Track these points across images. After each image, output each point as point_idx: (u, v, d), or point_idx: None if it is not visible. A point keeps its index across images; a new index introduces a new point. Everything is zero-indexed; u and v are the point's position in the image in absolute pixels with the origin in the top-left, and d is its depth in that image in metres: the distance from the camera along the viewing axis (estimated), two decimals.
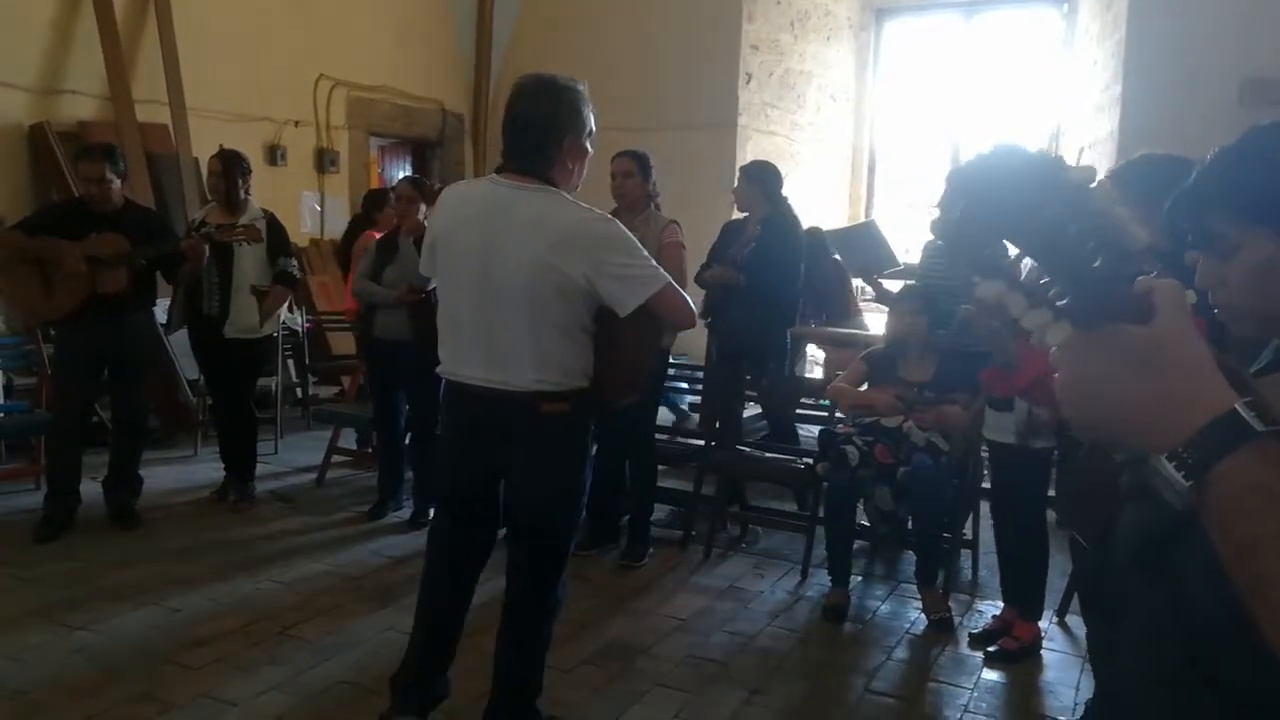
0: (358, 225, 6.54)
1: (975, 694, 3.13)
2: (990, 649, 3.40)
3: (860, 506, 3.86)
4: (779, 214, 4.80)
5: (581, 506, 2.60)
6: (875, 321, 6.91)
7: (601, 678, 3.12)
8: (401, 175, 7.06)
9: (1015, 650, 3.37)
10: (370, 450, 5.37)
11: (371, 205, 6.32)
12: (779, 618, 3.69)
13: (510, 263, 2.29)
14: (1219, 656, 0.82)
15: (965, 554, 4.19)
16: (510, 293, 2.31)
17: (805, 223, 5.09)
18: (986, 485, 4.12)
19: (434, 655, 2.64)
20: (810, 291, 5.42)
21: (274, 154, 7.38)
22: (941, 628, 3.60)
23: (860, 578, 4.10)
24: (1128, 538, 0.95)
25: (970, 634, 3.55)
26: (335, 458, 5.39)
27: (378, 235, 5.15)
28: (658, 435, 4.63)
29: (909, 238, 6.67)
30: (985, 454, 3.96)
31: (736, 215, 5.19)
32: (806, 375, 6.49)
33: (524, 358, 2.33)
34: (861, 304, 6.41)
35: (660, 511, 4.64)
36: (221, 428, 4.97)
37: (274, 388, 6.02)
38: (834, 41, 8.62)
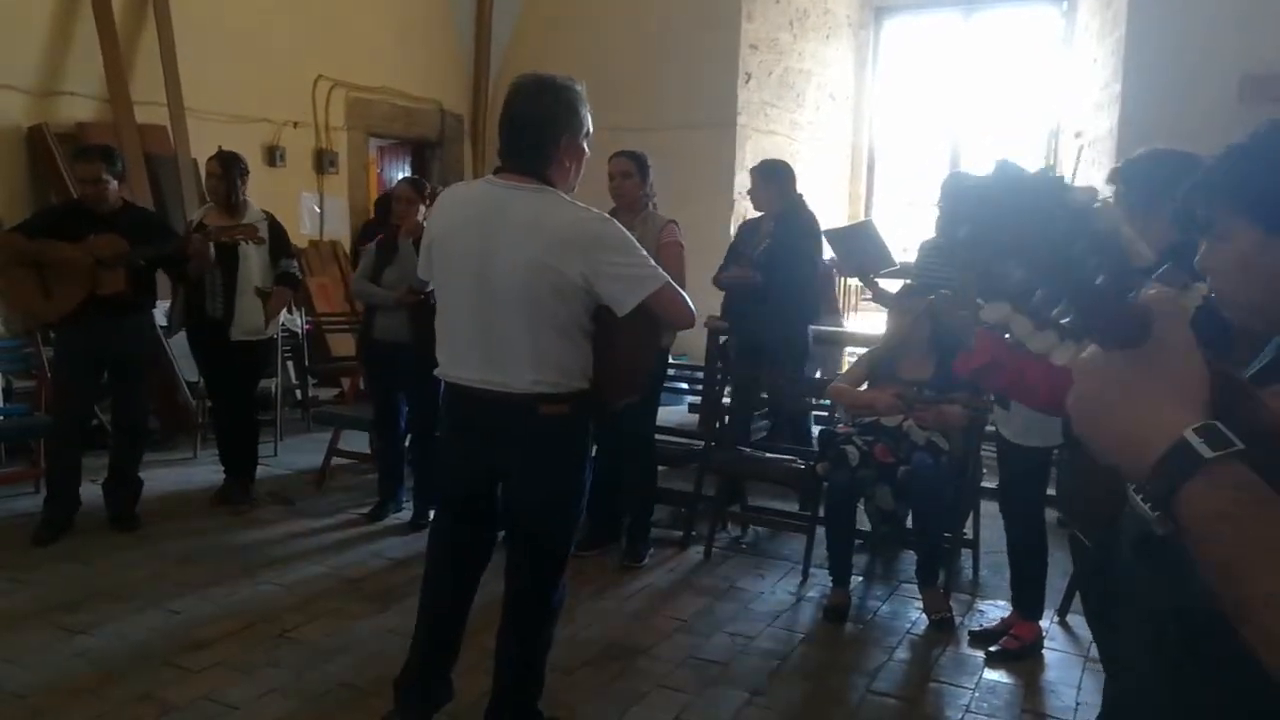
0: (371, 229, 6.53)
1: (977, 694, 3.13)
2: (991, 649, 3.40)
3: (861, 506, 3.85)
4: (793, 211, 4.80)
5: (581, 508, 2.59)
6: (865, 321, 6.93)
7: (602, 678, 3.12)
8: (401, 176, 7.06)
9: (1016, 650, 3.37)
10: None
11: (386, 209, 6.32)
12: (780, 618, 3.69)
13: (508, 263, 2.29)
14: (1218, 648, 0.81)
15: (966, 554, 4.19)
16: (508, 294, 2.30)
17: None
18: (988, 485, 4.12)
19: (437, 656, 2.63)
20: None
21: (273, 155, 7.37)
22: (942, 628, 3.60)
23: (861, 578, 4.09)
24: (1129, 530, 0.95)
25: (970, 633, 3.54)
26: (337, 459, 5.39)
27: None
28: (658, 436, 4.62)
29: (908, 236, 6.66)
30: (990, 452, 3.96)
31: (753, 214, 5.19)
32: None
33: (522, 359, 2.32)
34: (862, 302, 6.41)
35: (661, 512, 4.64)
36: (221, 430, 4.97)
37: (274, 389, 6.01)
38: (833, 40, 8.61)
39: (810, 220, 4.88)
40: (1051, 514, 3.74)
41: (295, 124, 7.54)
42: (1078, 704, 3.07)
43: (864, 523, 3.94)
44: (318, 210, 7.85)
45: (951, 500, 3.84)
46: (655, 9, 8.17)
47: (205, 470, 5.37)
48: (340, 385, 7.12)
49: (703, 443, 4.73)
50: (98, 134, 5.90)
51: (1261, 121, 0.98)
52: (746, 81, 8.11)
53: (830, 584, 3.80)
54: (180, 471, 5.48)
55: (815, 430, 5.15)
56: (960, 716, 2.99)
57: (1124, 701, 1.01)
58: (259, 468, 5.05)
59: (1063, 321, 0.71)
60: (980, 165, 7.90)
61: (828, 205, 8.34)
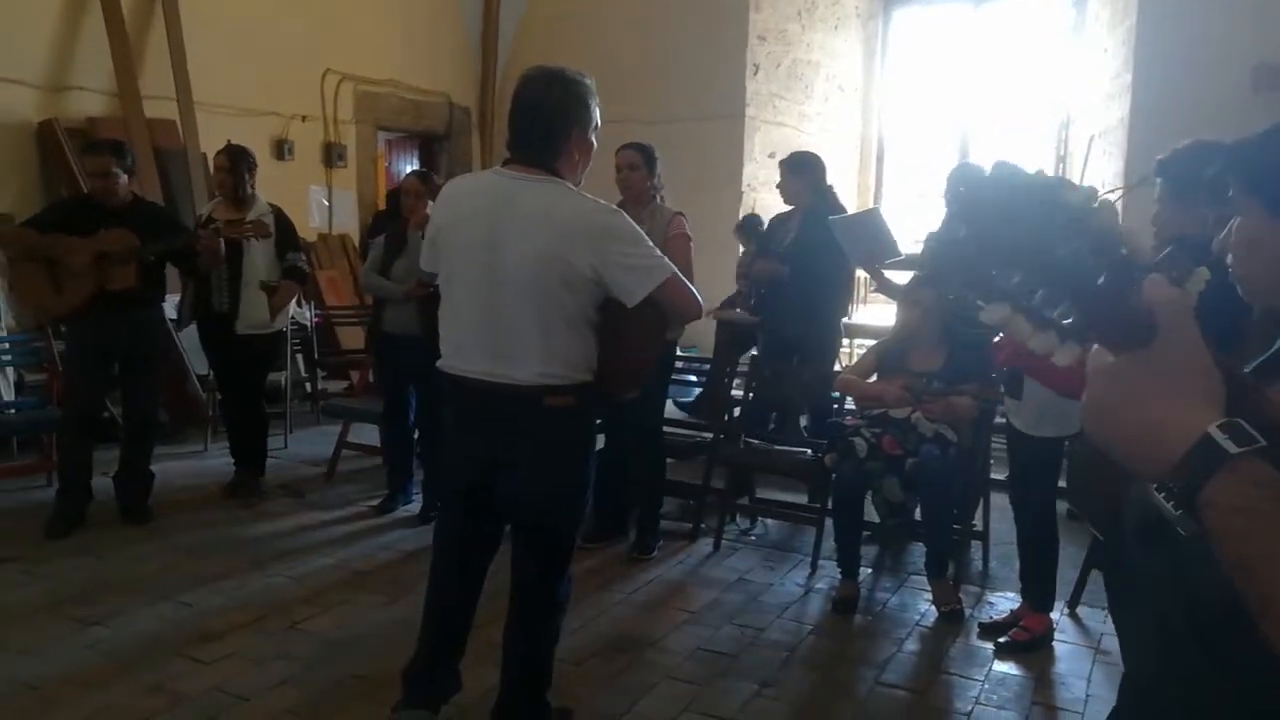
0: (383, 221, 6.54)
1: (986, 686, 3.12)
2: (1000, 640, 3.40)
3: (869, 498, 3.84)
4: (823, 203, 4.78)
5: (586, 500, 2.60)
6: (871, 314, 6.91)
7: (611, 670, 3.13)
8: (409, 169, 7.06)
9: (1026, 641, 3.36)
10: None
11: (398, 201, 6.32)
12: (789, 610, 3.69)
13: (517, 254, 2.29)
14: (1222, 635, 0.82)
15: (975, 545, 4.18)
16: (517, 285, 2.30)
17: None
18: (997, 476, 4.11)
19: (444, 648, 2.64)
20: None
21: (281, 149, 7.38)
22: (952, 619, 3.59)
23: (870, 570, 4.09)
24: (1131, 518, 0.96)
25: (980, 625, 3.54)
26: (346, 452, 5.40)
27: None
28: (666, 428, 4.62)
29: (918, 227, 6.63)
30: (1001, 443, 3.95)
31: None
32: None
33: (530, 350, 2.32)
34: (870, 294, 6.39)
35: (669, 504, 4.64)
36: (231, 423, 4.99)
37: (283, 382, 6.03)
38: (842, 31, 8.57)
39: (841, 211, 4.86)
40: (1062, 505, 3.73)
41: (304, 118, 7.55)
42: (1088, 696, 3.06)
43: (872, 514, 3.93)
44: (326, 204, 7.86)
45: (960, 492, 3.83)
46: (663, 1, 8.15)
47: (216, 463, 5.40)
48: (349, 378, 7.14)
49: (711, 434, 4.73)
50: (107, 129, 5.91)
51: None
52: (755, 73, 8.09)
53: (839, 576, 3.80)
54: (191, 464, 5.51)
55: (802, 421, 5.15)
56: (970, 708, 2.98)
57: (1129, 689, 1.01)
58: (269, 460, 5.07)
59: (1065, 322, 0.70)
60: (989, 156, 7.84)
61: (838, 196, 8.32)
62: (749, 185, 8.06)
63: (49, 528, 4.20)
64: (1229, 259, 1.03)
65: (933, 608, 3.69)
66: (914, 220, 7.22)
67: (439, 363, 2.48)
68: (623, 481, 4.39)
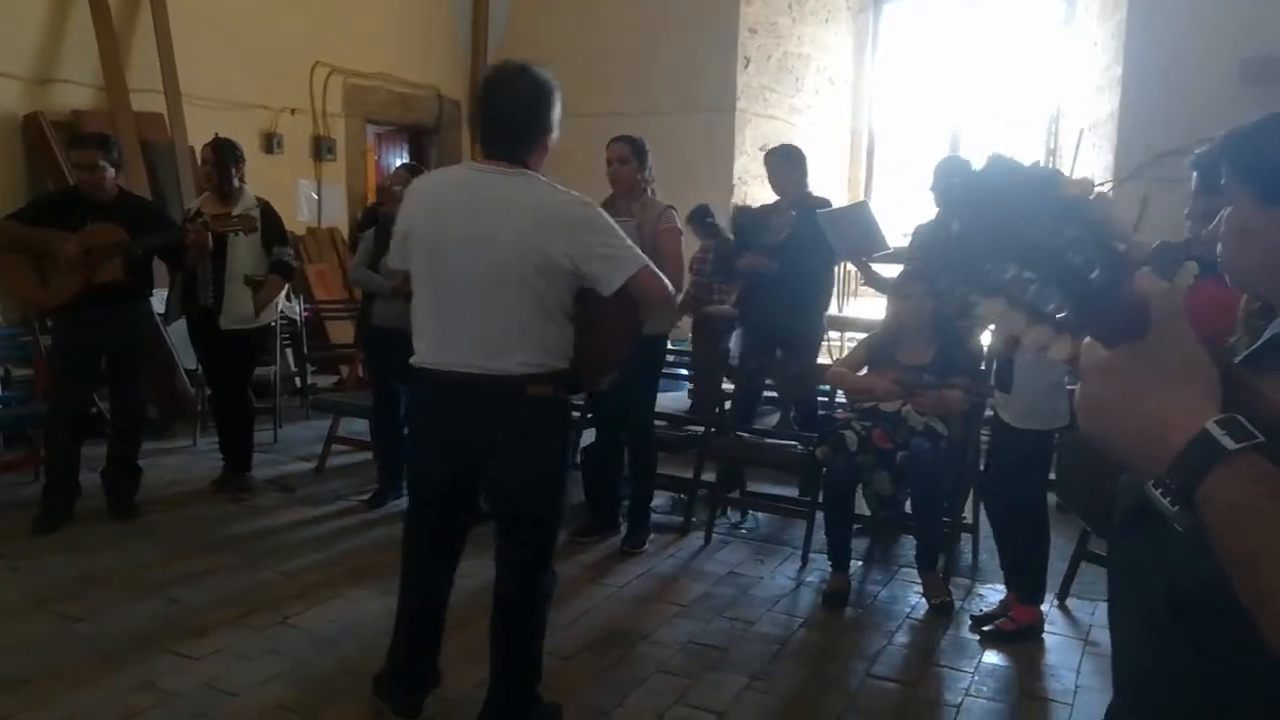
0: (375, 214, 6.50)
1: (976, 677, 3.13)
2: (985, 628, 3.41)
3: (860, 492, 3.85)
4: (810, 198, 4.80)
5: (565, 489, 2.63)
6: (862, 307, 6.92)
7: (603, 663, 3.13)
8: (399, 163, 7.04)
9: (1012, 631, 3.37)
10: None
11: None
12: (779, 603, 3.69)
13: (495, 247, 2.31)
14: (1208, 624, 0.83)
15: (965, 538, 4.19)
16: (496, 276, 2.32)
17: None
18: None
19: (422, 644, 2.64)
20: None
21: (270, 142, 7.35)
22: (942, 612, 3.60)
23: (860, 563, 4.10)
24: (1119, 508, 0.96)
25: (972, 618, 3.55)
26: (336, 446, 5.38)
27: None
28: (657, 422, 4.62)
29: (908, 220, 6.64)
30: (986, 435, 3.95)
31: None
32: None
33: (510, 341, 2.35)
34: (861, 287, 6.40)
35: (660, 498, 4.65)
36: (220, 418, 4.97)
37: (272, 377, 6.00)
38: (832, 24, 8.57)
39: (824, 205, 4.87)
40: (1053, 497, 3.74)
41: (293, 111, 7.52)
42: (1077, 687, 3.07)
43: (863, 508, 3.94)
44: (315, 197, 7.83)
45: (950, 485, 3.84)
46: None
47: (205, 458, 5.37)
48: (339, 372, 7.12)
49: (702, 428, 4.73)
50: (94, 122, 5.88)
51: None
52: (745, 66, 8.08)
53: (830, 569, 3.81)
54: (180, 459, 5.48)
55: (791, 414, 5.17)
56: (960, 700, 2.99)
57: (1125, 685, 1.01)
58: (258, 455, 5.05)
59: (1058, 316, 0.70)
60: (979, 149, 7.85)
61: (827, 190, 8.32)
62: (740, 178, 8.06)
63: (36, 524, 4.17)
64: (1218, 249, 1.03)
65: (923, 600, 3.70)
66: (905, 213, 7.23)
67: (413, 359, 2.48)
68: (614, 476, 4.39)
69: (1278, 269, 0.95)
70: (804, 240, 4.66)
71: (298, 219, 7.46)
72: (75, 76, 6.16)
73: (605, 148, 4.17)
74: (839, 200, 8.04)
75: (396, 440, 4.85)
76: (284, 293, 5.09)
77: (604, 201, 4.20)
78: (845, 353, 5.68)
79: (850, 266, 6.07)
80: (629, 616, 3.53)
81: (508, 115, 2.39)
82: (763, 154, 5.17)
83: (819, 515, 3.99)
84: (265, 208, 4.68)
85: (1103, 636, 3.28)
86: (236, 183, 4.67)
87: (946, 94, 8.35)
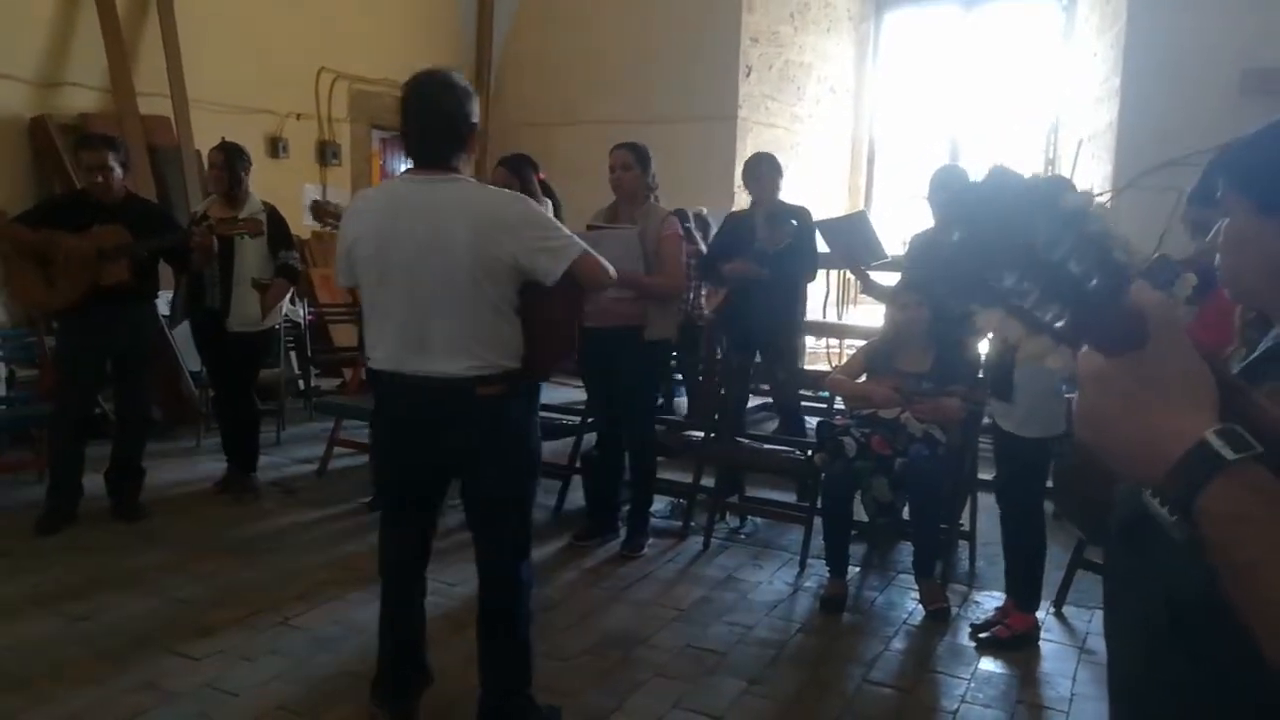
0: None
1: (972, 684, 3.15)
2: (981, 635, 3.43)
3: (858, 498, 3.87)
4: (793, 206, 4.89)
5: (535, 482, 2.68)
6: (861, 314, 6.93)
7: (601, 667, 3.15)
8: (404, 168, 7.07)
9: (1007, 638, 3.39)
10: None
11: None
12: (777, 608, 3.71)
13: (440, 252, 2.36)
14: (1204, 633, 0.83)
15: (963, 545, 4.21)
16: (442, 281, 2.37)
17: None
18: (984, 476, 4.14)
19: (407, 649, 2.67)
20: None
21: (276, 146, 7.39)
22: (939, 618, 3.62)
23: (858, 569, 4.12)
24: (1116, 517, 0.96)
25: (971, 626, 3.56)
26: (339, 449, 5.41)
27: None
28: (656, 427, 4.64)
29: (908, 229, 6.67)
30: (988, 444, 3.98)
31: (736, 208, 5.23)
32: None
33: (459, 343, 2.40)
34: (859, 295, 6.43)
35: (659, 502, 4.67)
36: (224, 420, 4.99)
37: (277, 379, 6.03)
38: (834, 33, 8.61)
39: (798, 212, 4.97)
40: (1050, 505, 3.76)
41: (298, 116, 7.56)
42: (1073, 695, 3.09)
43: (861, 514, 3.96)
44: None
45: (948, 492, 3.86)
46: (655, 2, 8.18)
47: (208, 460, 5.40)
48: (342, 375, 7.13)
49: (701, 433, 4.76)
50: (101, 125, 5.91)
51: None
52: (747, 74, 8.12)
53: (827, 574, 3.82)
54: (183, 461, 5.51)
55: (811, 422, 5.19)
56: (956, 707, 3.01)
57: (1120, 694, 1.02)
58: (261, 457, 5.07)
59: (1057, 325, 0.70)
60: (977, 159, 7.85)
61: (828, 198, 8.37)
62: (740, 186, 8.09)
63: (39, 524, 4.20)
64: (1216, 260, 1.02)
65: (920, 606, 3.72)
66: (904, 221, 7.26)
67: (370, 363, 2.53)
68: (614, 480, 4.41)
69: (1276, 278, 0.95)
70: (805, 249, 4.74)
71: (303, 223, 7.49)
72: (82, 80, 6.20)
73: (608, 154, 4.20)
74: (836, 208, 8.09)
75: None
76: (289, 296, 5.12)
77: (607, 208, 4.24)
78: (844, 360, 5.72)
79: (849, 274, 6.11)
80: (628, 620, 3.55)
81: (434, 125, 2.44)
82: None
83: (817, 521, 4.01)
84: (272, 212, 4.72)
85: (1099, 644, 3.29)
86: (244, 187, 4.71)
87: (946, 103, 8.38)
